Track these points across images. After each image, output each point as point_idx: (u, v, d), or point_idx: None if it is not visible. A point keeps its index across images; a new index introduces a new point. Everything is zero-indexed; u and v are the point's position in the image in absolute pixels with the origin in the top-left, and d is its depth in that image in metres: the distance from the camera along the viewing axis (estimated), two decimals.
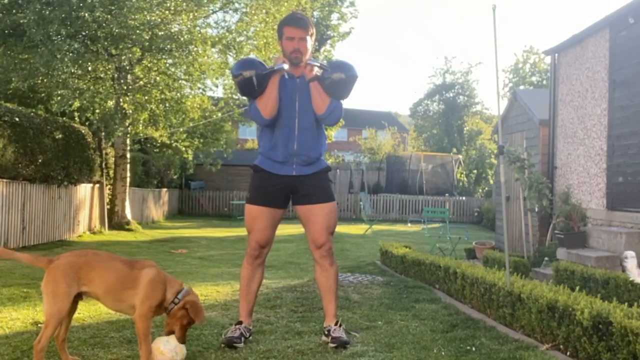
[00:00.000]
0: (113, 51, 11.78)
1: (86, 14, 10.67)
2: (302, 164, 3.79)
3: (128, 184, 14.30)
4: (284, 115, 3.73)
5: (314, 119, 3.77)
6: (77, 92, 11.89)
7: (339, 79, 3.66)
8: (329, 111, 3.72)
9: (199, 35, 12.19)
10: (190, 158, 16.51)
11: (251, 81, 3.61)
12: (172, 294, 3.17)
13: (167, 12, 11.85)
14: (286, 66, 3.67)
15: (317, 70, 3.72)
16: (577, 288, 4.06)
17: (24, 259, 3.14)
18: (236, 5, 14.08)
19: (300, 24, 3.68)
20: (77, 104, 11.92)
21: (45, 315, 2.97)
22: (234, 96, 15.52)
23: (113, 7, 11.04)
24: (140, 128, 13.09)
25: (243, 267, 3.87)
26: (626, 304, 3.53)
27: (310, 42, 3.73)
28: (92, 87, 12.45)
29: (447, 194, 24.07)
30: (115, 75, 12.68)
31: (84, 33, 11.34)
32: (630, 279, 5.17)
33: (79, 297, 3.11)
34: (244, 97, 3.69)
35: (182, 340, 3.20)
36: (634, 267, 5.50)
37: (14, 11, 11.06)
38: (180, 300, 3.17)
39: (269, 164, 3.79)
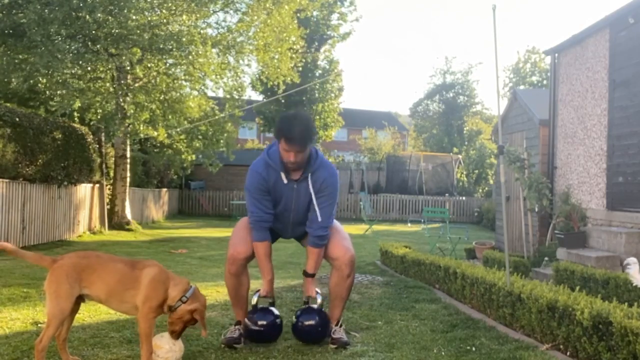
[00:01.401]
0: (113, 51, 11.77)
1: (86, 15, 10.66)
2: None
3: (128, 184, 14.27)
4: (278, 213, 3.81)
5: (306, 213, 3.81)
6: (77, 92, 11.87)
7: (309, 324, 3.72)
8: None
9: (199, 36, 12.17)
10: (189, 160, 16.34)
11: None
12: (179, 291, 3.16)
13: (168, 12, 11.83)
14: (255, 299, 3.76)
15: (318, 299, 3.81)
16: (577, 288, 4.06)
17: (28, 257, 3.14)
18: (237, 5, 14.06)
19: (297, 143, 3.53)
20: (78, 103, 11.91)
21: (48, 315, 2.97)
22: (234, 96, 15.49)
23: (113, 8, 11.02)
24: (141, 128, 13.06)
25: (226, 277, 3.82)
26: (626, 304, 3.53)
27: (307, 151, 3.66)
28: (92, 87, 12.44)
29: (447, 194, 24.06)
30: (115, 75, 12.67)
31: (84, 33, 11.32)
32: (634, 284, 5.17)
33: (80, 298, 3.11)
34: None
35: (176, 336, 3.20)
36: (636, 272, 5.48)
37: (14, 11, 11.03)
38: (188, 299, 3.16)
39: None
